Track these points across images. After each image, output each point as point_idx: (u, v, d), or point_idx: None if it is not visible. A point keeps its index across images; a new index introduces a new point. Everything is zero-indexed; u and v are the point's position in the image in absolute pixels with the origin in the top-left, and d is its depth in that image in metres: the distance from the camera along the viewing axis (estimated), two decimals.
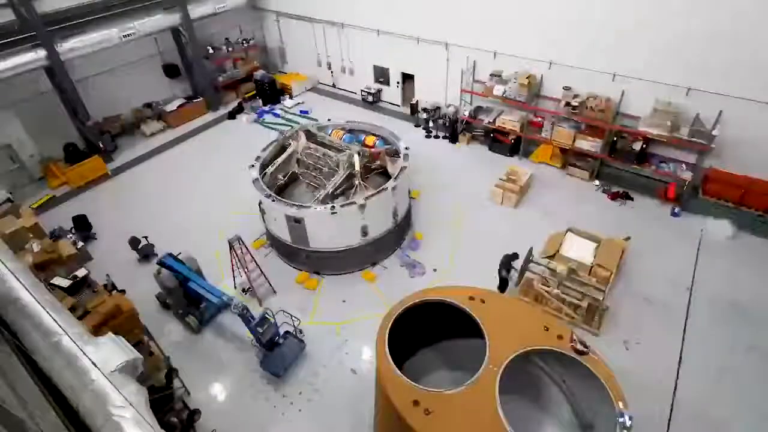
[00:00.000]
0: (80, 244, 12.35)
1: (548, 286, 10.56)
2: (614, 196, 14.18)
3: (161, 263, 10.41)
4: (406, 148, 12.77)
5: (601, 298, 9.92)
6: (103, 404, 4.59)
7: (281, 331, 10.07)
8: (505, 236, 12.89)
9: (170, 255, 10.53)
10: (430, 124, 18.04)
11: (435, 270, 12.14)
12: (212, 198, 15.31)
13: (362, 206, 11.07)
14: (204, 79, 20.26)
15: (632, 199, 14.08)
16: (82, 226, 13.89)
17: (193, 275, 10.29)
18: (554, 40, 14.15)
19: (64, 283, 8.56)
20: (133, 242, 13.00)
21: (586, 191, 14.64)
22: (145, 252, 12.97)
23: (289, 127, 15.06)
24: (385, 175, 12.80)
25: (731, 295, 10.89)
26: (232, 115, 20.44)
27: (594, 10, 13.05)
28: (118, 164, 17.52)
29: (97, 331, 7.11)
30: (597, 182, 14.78)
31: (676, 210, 13.36)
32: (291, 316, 10.17)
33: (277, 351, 9.88)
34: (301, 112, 20.36)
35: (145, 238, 13.10)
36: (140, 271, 12.60)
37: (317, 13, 19.77)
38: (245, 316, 9.31)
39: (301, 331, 10.33)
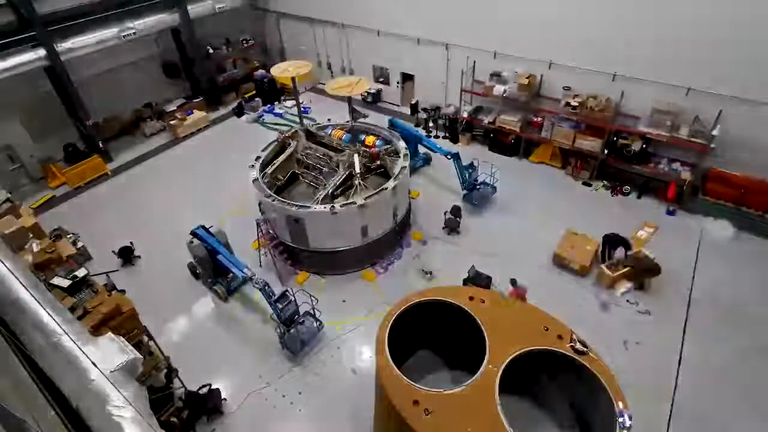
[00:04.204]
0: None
1: None
2: (614, 194, 14.27)
3: (194, 233, 11.01)
4: (406, 148, 12.77)
5: None
6: (103, 404, 4.59)
7: (301, 311, 10.33)
8: (504, 236, 12.91)
9: (202, 227, 11.10)
10: (430, 124, 18.04)
11: (430, 273, 12.15)
12: (212, 197, 15.30)
13: (362, 206, 11.07)
14: (204, 79, 20.26)
15: (628, 194, 14.16)
16: (127, 254, 13.04)
17: (221, 248, 10.74)
18: (554, 40, 14.13)
19: (64, 283, 8.54)
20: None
21: (585, 191, 14.64)
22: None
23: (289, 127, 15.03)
24: (385, 175, 12.79)
25: (731, 295, 10.88)
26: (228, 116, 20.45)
27: (594, 10, 13.05)
28: (118, 164, 17.53)
29: (97, 331, 7.11)
30: (597, 182, 14.78)
31: (671, 209, 13.38)
32: (310, 296, 10.35)
33: (295, 329, 10.12)
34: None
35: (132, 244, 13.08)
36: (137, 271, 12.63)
37: (317, 13, 19.77)
38: (265, 291, 9.62)
39: (319, 312, 10.54)
